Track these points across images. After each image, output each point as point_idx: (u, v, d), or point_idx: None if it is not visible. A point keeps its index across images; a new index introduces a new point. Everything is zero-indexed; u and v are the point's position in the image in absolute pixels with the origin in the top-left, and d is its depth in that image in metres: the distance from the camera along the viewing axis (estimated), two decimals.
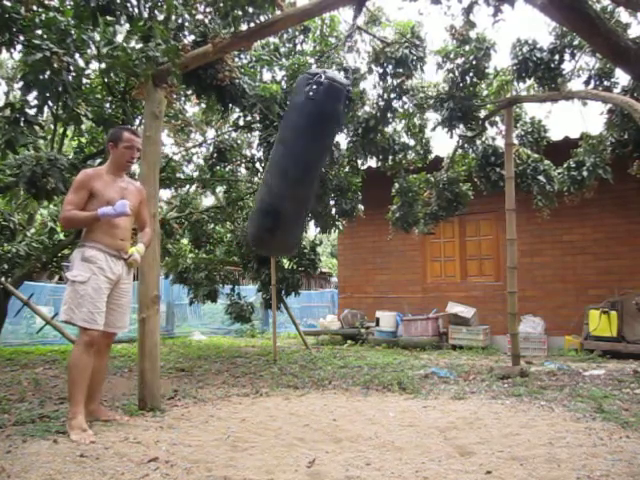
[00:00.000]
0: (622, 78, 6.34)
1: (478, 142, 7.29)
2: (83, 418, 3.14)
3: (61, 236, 8.31)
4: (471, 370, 5.84)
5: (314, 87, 3.11)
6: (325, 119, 3.27)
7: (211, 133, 9.42)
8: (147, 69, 3.88)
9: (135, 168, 8.46)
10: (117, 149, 3.44)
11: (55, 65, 3.85)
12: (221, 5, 4.16)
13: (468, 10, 5.55)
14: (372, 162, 7.94)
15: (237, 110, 6.80)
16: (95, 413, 3.46)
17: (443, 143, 7.92)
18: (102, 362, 3.49)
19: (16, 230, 6.91)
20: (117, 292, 3.44)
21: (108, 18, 4.02)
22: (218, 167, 8.39)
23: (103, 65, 4.51)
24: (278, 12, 4.09)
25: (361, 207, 7.69)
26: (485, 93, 7.05)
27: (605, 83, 6.28)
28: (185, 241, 10.01)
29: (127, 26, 4.29)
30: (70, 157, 6.50)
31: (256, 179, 9.01)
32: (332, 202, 7.48)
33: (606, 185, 6.96)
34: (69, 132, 7.16)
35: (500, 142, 7.08)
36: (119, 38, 4.20)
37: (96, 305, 3.23)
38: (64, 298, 3.27)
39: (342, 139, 7.44)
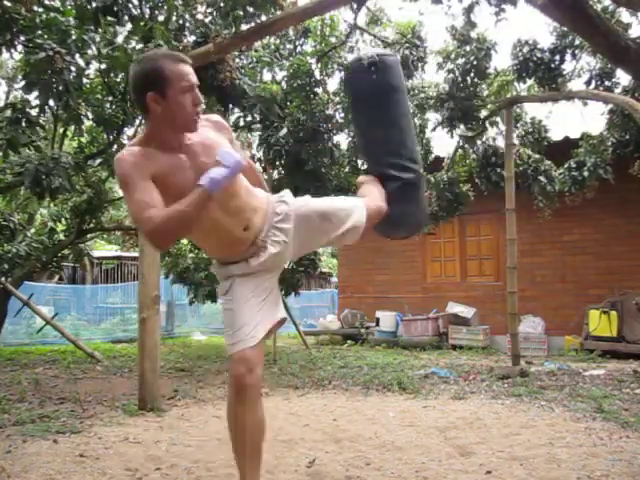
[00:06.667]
0: (623, 78, 6.35)
1: (478, 142, 7.28)
2: None
3: (61, 236, 8.31)
4: (471, 370, 5.84)
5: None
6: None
7: None
8: None
9: None
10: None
11: (58, 65, 3.85)
12: (222, 5, 4.16)
13: (469, 10, 5.56)
14: None
15: (237, 110, 6.81)
16: None
17: (443, 143, 7.91)
18: None
19: (16, 230, 6.92)
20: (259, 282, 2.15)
21: (109, 18, 4.02)
22: None
23: (103, 66, 4.51)
24: (278, 12, 4.10)
25: None
26: (485, 93, 7.05)
27: (606, 83, 6.28)
28: (185, 241, 10.00)
29: (129, 26, 4.29)
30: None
31: None
32: None
33: (607, 185, 6.95)
34: (69, 132, 7.17)
35: (501, 142, 7.07)
36: (120, 39, 4.20)
37: (243, 317, 2.07)
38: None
39: (342, 139, 7.45)
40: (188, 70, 1.87)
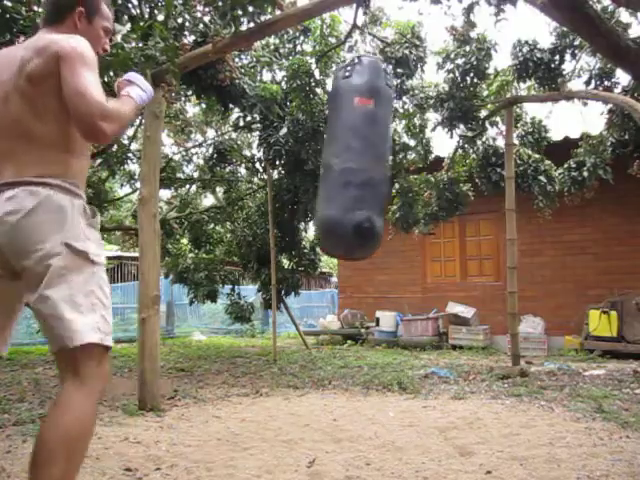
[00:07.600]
0: (623, 78, 6.34)
1: (478, 142, 7.28)
2: None
3: None
4: (471, 370, 5.84)
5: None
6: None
7: (211, 133, 9.44)
8: (146, 67, 3.87)
9: (135, 168, 8.50)
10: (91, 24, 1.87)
11: None
12: (221, 4, 4.15)
13: (468, 10, 5.55)
14: None
15: (237, 110, 6.80)
16: None
17: (443, 143, 7.91)
18: None
19: None
20: None
21: None
22: (218, 168, 8.40)
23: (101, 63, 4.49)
24: (278, 12, 4.09)
25: None
26: (485, 93, 7.04)
27: (606, 83, 6.27)
28: (185, 241, 10.01)
29: (129, 26, 4.28)
30: None
31: (256, 179, 9.02)
32: None
33: (606, 185, 6.95)
34: None
35: (501, 142, 7.07)
36: (118, 37, 4.19)
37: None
38: (83, 297, 1.60)
39: None
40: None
